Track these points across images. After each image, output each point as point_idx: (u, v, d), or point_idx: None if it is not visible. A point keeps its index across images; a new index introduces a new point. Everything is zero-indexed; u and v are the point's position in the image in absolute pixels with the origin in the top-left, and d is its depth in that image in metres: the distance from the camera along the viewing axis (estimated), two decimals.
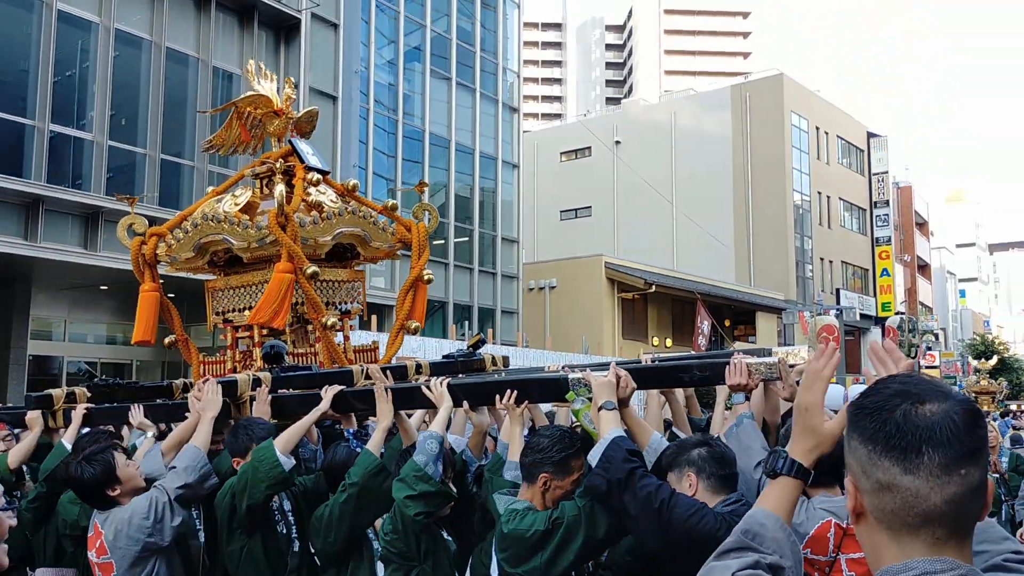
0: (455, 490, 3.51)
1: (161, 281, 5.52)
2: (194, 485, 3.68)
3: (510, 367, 5.76)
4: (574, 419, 3.39)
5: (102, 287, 17.08)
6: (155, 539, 3.52)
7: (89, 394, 4.88)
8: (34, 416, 4.74)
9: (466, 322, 24.42)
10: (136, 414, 4.40)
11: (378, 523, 3.75)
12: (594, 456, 2.88)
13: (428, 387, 3.69)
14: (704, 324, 27.86)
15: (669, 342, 30.48)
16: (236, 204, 5.03)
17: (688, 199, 37.24)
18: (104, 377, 5.14)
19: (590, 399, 3.13)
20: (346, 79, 19.87)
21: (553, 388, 3.49)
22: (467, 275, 25.36)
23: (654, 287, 28.47)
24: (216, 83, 17.62)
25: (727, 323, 33.26)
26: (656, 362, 3.83)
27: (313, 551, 3.77)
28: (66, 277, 15.91)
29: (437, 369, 5.04)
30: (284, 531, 3.84)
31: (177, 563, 3.72)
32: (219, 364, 5.20)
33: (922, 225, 55.62)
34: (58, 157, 15.42)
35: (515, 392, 3.56)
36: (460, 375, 4.33)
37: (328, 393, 3.94)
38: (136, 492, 3.66)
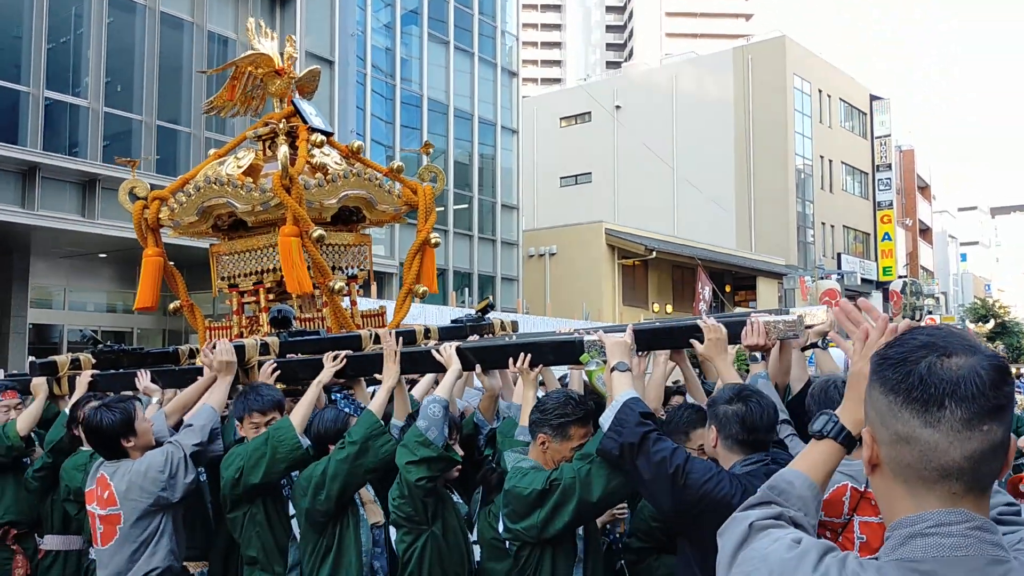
0: (461, 453, 3.49)
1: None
2: (206, 445, 3.70)
3: (519, 332, 5.72)
4: (587, 380, 3.37)
5: (101, 255, 17.04)
6: (167, 494, 3.54)
7: (94, 360, 4.87)
8: (39, 382, 4.72)
9: (466, 289, 24.41)
10: (143, 378, 4.39)
11: (364, 492, 3.74)
12: (606, 419, 2.86)
13: (438, 350, 3.66)
14: (705, 290, 27.85)
15: (670, 308, 30.48)
16: (239, 167, 4.94)
17: (689, 164, 37.03)
18: (109, 344, 5.09)
19: (604, 361, 3.11)
20: (342, 43, 19.66)
21: (567, 350, 3.45)
22: (467, 242, 25.31)
23: (654, 253, 28.41)
24: (212, 48, 17.44)
25: (728, 288, 33.24)
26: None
27: (293, 514, 3.73)
28: (64, 245, 15.86)
29: (446, 334, 5.01)
30: (288, 495, 3.82)
31: (180, 522, 3.73)
32: (225, 330, 5.15)
33: (924, 189, 55.38)
34: (54, 124, 15.31)
35: (528, 355, 3.53)
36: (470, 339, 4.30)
37: (328, 361, 3.89)
38: (147, 449, 3.67)
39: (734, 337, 3.21)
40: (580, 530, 3.13)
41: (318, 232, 4.63)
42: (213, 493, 4.22)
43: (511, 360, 3.59)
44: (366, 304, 5.74)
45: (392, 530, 3.54)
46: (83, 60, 15.53)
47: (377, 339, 4.55)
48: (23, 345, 15.64)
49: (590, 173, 39.87)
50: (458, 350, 3.64)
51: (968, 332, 1.35)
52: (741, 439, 2.76)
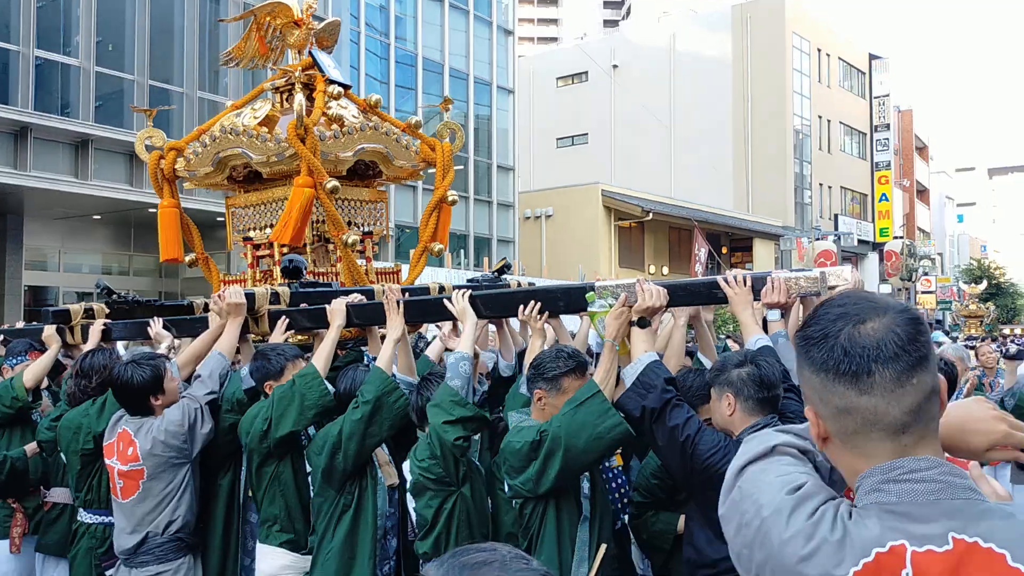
0: (488, 414, 3.45)
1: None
2: (219, 391, 3.71)
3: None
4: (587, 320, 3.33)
5: (95, 216, 16.97)
6: (187, 446, 3.59)
7: (107, 310, 4.86)
8: (51, 332, 4.68)
9: (461, 251, 24.37)
10: (155, 325, 4.38)
11: (380, 453, 3.71)
12: (628, 375, 2.86)
13: (450, 300, 3.59)
14: (701, 251, 27.84)
15: (666, 270, 30.48)
16: (255, 117, 4.92)
17: (686, 124, 36.79)
18: (123, 294, 5.08)
19: (611, 305, 3.08)
20: (335, 0, 19.39)
21: (578, 298, 3.37)
22: (463, 203, 25.19)
23: (651, 215, 28.34)
24: (203, 6, 17.19)
25: (724, 250, 33.23)
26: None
27: (309, 471, 3.71)
28: (58, 207, 15.78)
29: (460, 287, 5.03)
30: None
31: (199, 479, 3.76)
32: (240, 283, 5.12)
33: (922, 149, 55.14)
34: (45, 84, 15.15)
35: (538, 304, 3.49)
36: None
37: (336, 308, 3.81)
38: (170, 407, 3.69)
39: (754, 295, 3.18)
40: (586, 487, 3.09)
41: (332, 183, 4.57)
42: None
43: (520, 308, 3.53)
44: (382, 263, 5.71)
45: (409, 498, 3.44)
46: (73, 19, 15.33)
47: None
48: (18, 307, 15.63)
49: (587, 134, 39.61)
50: (465, 295, 3.58)
51: (875, 293, 1.38)
52: (761, 398, 2.81)
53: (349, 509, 3.53)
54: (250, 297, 4.12)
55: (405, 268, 5.79)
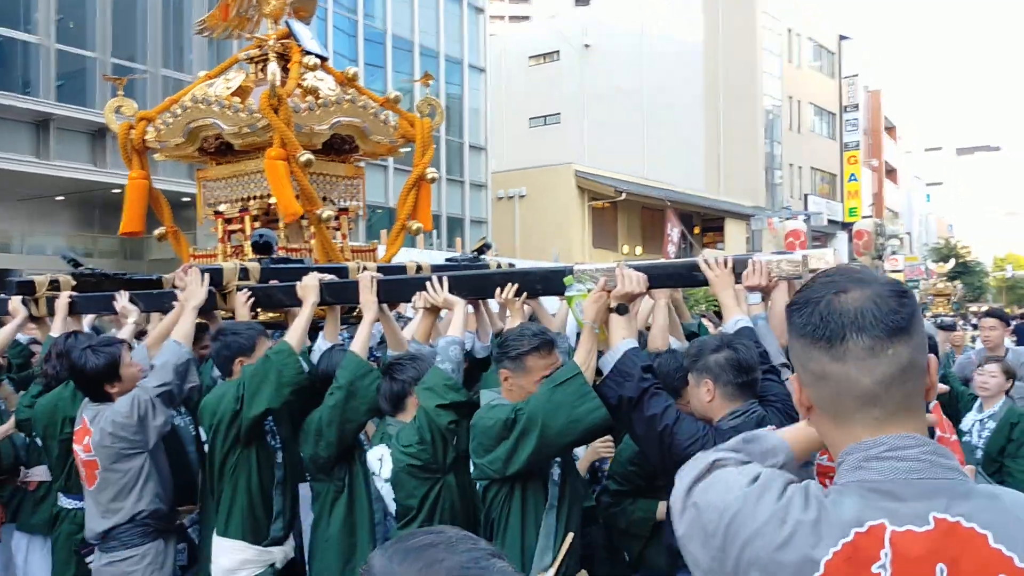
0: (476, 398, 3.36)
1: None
2: (174, 383, 3.55)
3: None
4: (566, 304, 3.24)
5: (57, 197, 16.65)
6: (139, 438, 3.47)
7: (74, 282, 4.73)
8: (16, 304, 4.53)
9: (434, 231, 24.23)
10: (121, 299, 4.24)
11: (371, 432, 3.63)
12: (605, 364, 2.83)
13: (432, 286, 3.49)
14: (674, 231, 27.94)
15: (639, 250, 30.56)
16: (228, 88, 4.78)
17: (658, 105, 36.77)
18: (91, 267, 4.96)
19: (589, 289, 3.03)
20: None
21: (556, 281, 3.30)
22: (435, 184, 25.05)
23: (624, 195, 28.37)
24: None
25: (696, 230, 33.38)
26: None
27: (304, 458, 3.66)
28: (19, 187, 15.46)
29: (439, 270, 4.93)
30: (271, 442, 3.67)
31: (165, 465, 3.66)
32: (211, 258, 5.02)
33: (891, 129, 55.64)
34: (5, 62, 14.82)
35: (516, 285, 3.43)
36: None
37: (309, 285, 3.70)
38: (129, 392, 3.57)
39: (736, 278, 3.13)
40: (556, 474, 3.03)
41: (306, 156, 4.44)
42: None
43: (498, 291, 3.47)
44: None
45: (387, 489, 3.30)
46: None
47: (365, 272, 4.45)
48: None
49: (559, 114, 39.45)
50: (443, 280, 3.49)
51: (866, 268, 1.38)
52: (740, 383, 2.78)
53: (341, 495, 3.48)
54: (218, 272, 4.01)
55: (382, 248, 5.69)
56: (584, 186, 28.58)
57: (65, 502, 3.95)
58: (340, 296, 3.87)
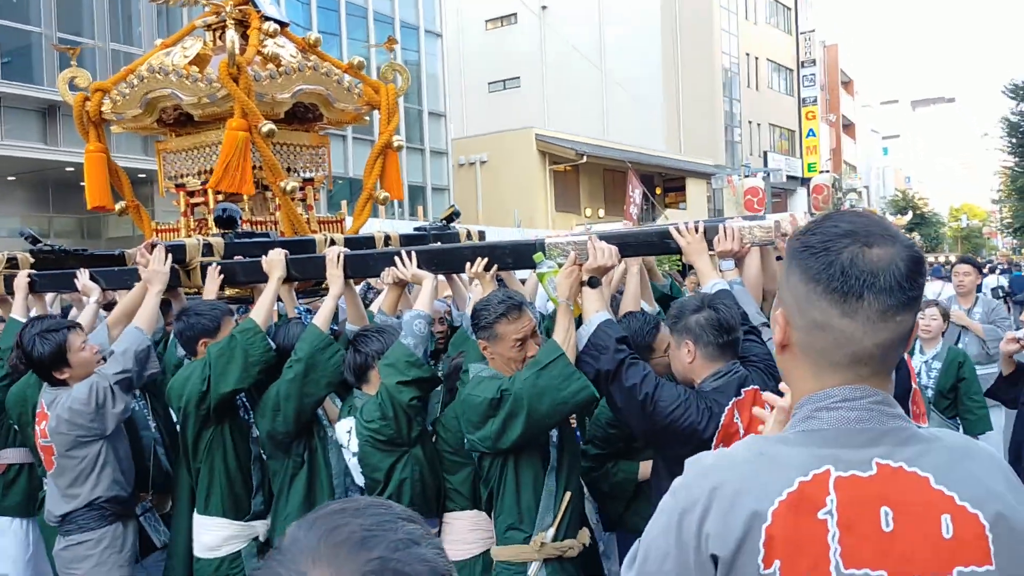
0: (438, 372, 3.37)
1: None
2: (134, 371, 3.50)
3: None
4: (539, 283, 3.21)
5: (10, 178, 16.29)
6: (96, 425, 3.42)
7: (32, 260, 4.61)
8: None
9: (395, 200, 24.06)
10: (82, 276, 4.15)
11: (332, 408, 3.62)
12: (580, 338, 2.83)
13: (401, 261, 3.46)
14: (635, 192, 28.00)
15: (602, 212, 30.63)
16: (185, 56, 4.59)
17: (617, 66, 36.63)
18: (50, 244, 4.79)
19: (560, 264, 3.01)
20: None
21: (526, 254, 3.28)
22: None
23: (585, 158, 28.34)
24: None
25: (658, 191, 33.49)
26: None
27: (260, 434, 3.57)
28: None
29: (407, 241, 4.79)
30: (245, 416, 3.63)
31: (125, 450, 3.62)
32: (173, 232, 4.88)
33: (847, 84, 56.03)
34: None
35: (485, 260, 3.41)
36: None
37: (275, 259, 3.66)
38: (84, 377, 3.50)
39: (708, 244, 3.11)
40: (555, 436, 3.03)
41: (268, 126, 4.33)
42: (159, 419, 4.08)
43: (467, 264, 3.46)
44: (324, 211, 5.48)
45: (354, 463, 3.32)
46: None
47: (332, 244, 4.38)
48: None
49: (518, 78, 39.17)
50: (412, 255, 3.47)
51: (886, 220, 1.37)
52: (721, 343, 2.74)
53: (300, 470, 3.43)
54: (180, 249, 3.93)
55: (349, 219, 5.60)
56: (545, 150, 28.50)
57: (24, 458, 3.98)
58: (306, 271, 3.83)
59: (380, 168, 5.12)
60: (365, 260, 3.75)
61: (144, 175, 13.79)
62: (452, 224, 5.09)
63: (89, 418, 3.40)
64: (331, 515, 0.87)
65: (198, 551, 3.55)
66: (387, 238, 4.76)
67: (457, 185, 27.65)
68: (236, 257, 4.05)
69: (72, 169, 15.99)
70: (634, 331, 3.20)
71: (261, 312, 3.51)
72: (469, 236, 5.20)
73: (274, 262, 3.68)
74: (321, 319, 3.43)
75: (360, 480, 3.31)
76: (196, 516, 3.56)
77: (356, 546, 0.82)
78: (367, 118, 5.46)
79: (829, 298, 1.22)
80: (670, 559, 1.26)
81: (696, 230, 3.10)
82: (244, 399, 3.63)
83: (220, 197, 4.63)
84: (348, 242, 4.52)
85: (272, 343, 3.47)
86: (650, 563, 1.30)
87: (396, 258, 3.50)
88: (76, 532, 3.49)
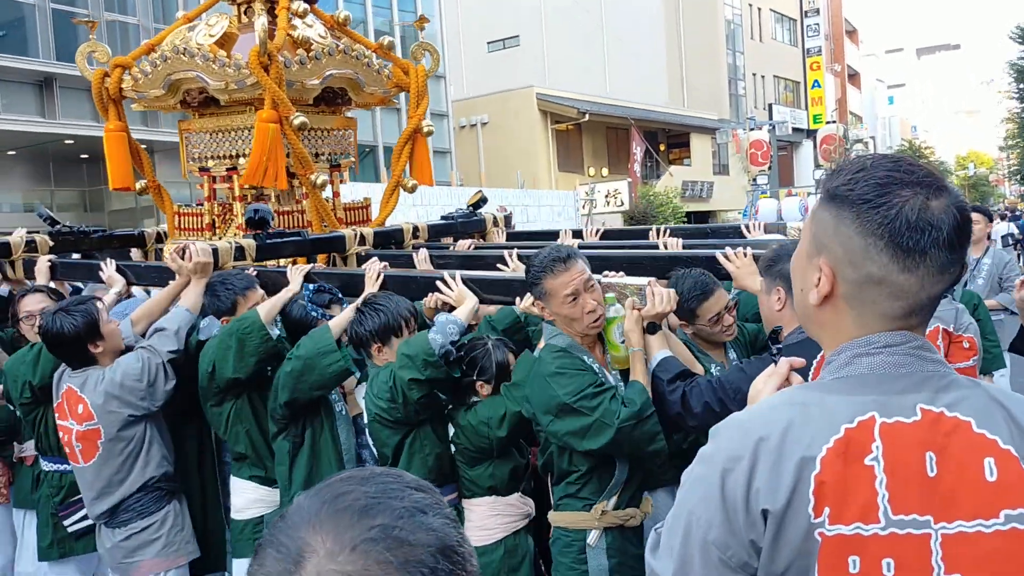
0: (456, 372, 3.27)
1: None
2: (183, 350, 3.47)
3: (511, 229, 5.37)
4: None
5: (10, 152, 16.22)
6: (147, 403, 3.35)
7: (52, 243, 4.52)
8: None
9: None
10: (108, 267, 4.06)
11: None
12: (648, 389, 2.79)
13: (445, 284, 3.35)
14: (639, 150, 27.79)
15: (605, 171, 30.44)
16: (211, 36, 4.40)
17: (618, 20, 36.14)
18: (69, 224, 4.71)
19: (636, 305, 2.87)
20: None
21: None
22: (395, 116, 24.60)
23: (588, 116, 28.08)
24: None
25: (662, 147, 33.25)
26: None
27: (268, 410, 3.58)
28: None
29: (435, 231, 4.75)
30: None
31: (164, 425, 3.56)
32: (196, 216, 4.71)
33: (852, 33, 55.27)
34: None
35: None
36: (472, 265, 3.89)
37: (295, 276, 3.62)
38: (117, 353, 3.45)
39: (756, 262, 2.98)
40: None
41: (300, 119, 4.17)
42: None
43: (517, 299, 3.22)
44: (351, 194, 5.26)
45: (367, 433, 3.33)
46: None
47: (362, 239, 4.28)
48: None
49: (518, 36, 38.69)
50: (456, 277, 3.36)
51: (931, 164, 1.34)
52: None
53: (301, 450, 3.41)
54: (213, 253, 3.86)
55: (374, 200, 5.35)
56: (547, 109, 28.24)
57: (44, 465, 3.84)
58: (345, 288, 3.73)
59: (408, 154, 4.90)
60: (406, 282, 3.58)
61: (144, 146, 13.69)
62: (479, 211, 4.98)
63: (140, 395, 3.33)
64: (337, 483, 0.85)
65: (233, 513, 3.62)
66: (415, 229, 4.64)
67: (458, 147, 27.48)
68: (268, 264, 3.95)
69: (72, 142, 15.91)
70: (682, 293, 3.08)
71: (266, 305, 3.47)
72: (495, 222, 5.08)
73: (296, 274, 3.65)
74: (336, 323, 3.35)
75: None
76: (232, 479, 3.64)
77: (358, 513, 0.80)
78: (395, 100, 5.23)
79: (890, 253, 1.20)
80: (715, 528, 1.23)
81: (744, 254, 3.09)
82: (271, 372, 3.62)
83: (246, 184, 4.48)
84: (376, 235, 4.44)
85: (273, 333, 3.41)
86: (693, 538, 1.26)
87: (440, 283, 3.38)
88: (136, 519, 3.40)
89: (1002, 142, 37.58)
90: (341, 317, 3.36)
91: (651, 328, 2.88)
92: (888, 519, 1.18)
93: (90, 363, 3.39)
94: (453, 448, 3.21)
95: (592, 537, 2.83)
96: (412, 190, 4.92)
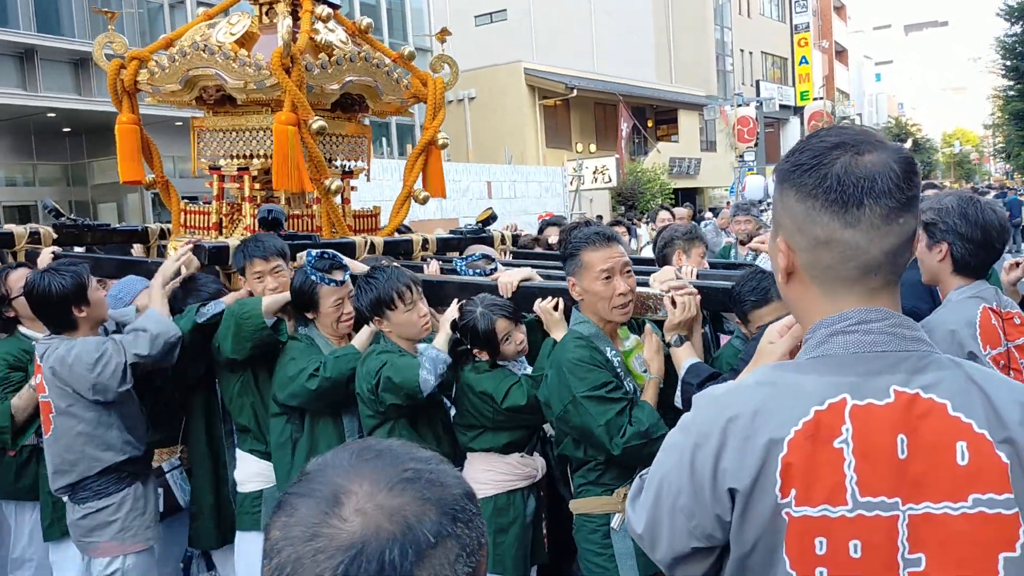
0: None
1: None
2: (154, 357, 3.26)
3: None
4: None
5: None
6: (92, 395, 3.20)
7: (55, 235, 4.51)
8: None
9: (383, 139, 23.81)
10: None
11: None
12: (678, 399, 2.77)
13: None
14: (626, 126, 27.72)
15: (593, 147, 30.37)
16: (232, 34, 4.36)
17: None
18: (72, 217, 4.67)
19: (659, 331, 2.83)
20: None
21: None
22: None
23: (575, 91, 27.96)
24: None
25: (650, 123, 33.17)
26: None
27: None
28: None
29: (444, 245, 4.77)
30: None
31: (132, 410, 3.38)
32: (203, 215, 4.67)
33: (840, 9, 55.15)
34: None
35: (558, 300, 3.13)
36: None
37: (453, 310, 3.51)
38: (99, 323, 3.37)
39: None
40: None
41: (319, 123, 4.13)
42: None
43: (537, 301, 3.19)
44: (360, 203, 5.20)
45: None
46: None
47: (372, 247, 4.27)
48: None
49: (505, 10, 38.37)
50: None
51: (865, 127, 1.35)
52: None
53: (300, 439, 3.40)
54: (224, 250, 3.87)
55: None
56: (534, 84, 28.09)
57: (40, 441, 3.76)
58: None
59: (422, 166, 4.85)
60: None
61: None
62: (488, 228, 4.97)
63: (86, 385, 3.17)
64: (356, 444, 0.90)
65: (238, 486, 3.65)
66: (424, 242, 4.65)
67: (446, 123, 27.10)
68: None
69: (54, 115, 15.71)
70: (739, 293, 2.95)
71: (268, 301, 3.44)
72: (503, 240, 5.08)
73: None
74: (360, 342, 3.35)
75: None
76: (237, 450, 3.67)
77: (390, 460, 0.86)
78: (411, 110, 5.19)
79: (830, 211, 1.21)
80: (683, 496, 1.27)
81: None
82: None
83: (257, 186, 4.49)
84: (386, 244, 4.44)
85: (269, 322, 3.40)
86: (663, 499, 1.30)
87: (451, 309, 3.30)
88: (92, 499, 3.28)
89: (988, 119, 37.66)
90: (362, 338, 3.36)
91: (677, 341, 2.83)
92: (856, 501, 1.18)
93: (71, 328, 3.27)
94: (453, 410, 3.22)
95: (616, 521, 2.82)
96: (424, 202, 4.86)
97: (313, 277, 3.35)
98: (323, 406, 3.35)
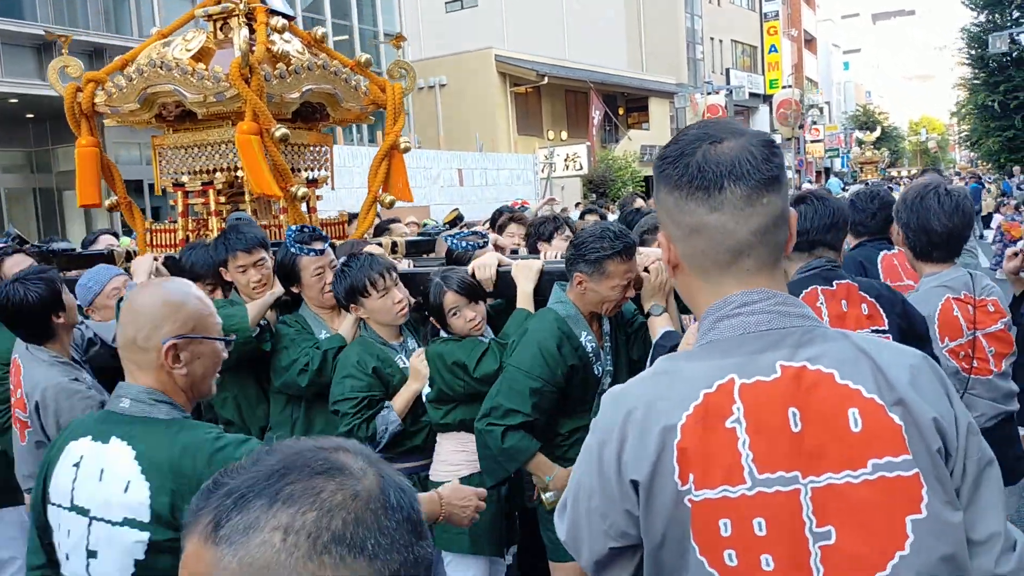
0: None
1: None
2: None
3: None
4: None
5: None
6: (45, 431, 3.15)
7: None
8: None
9: (354, 127, 23.62)
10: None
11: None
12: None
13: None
14: (597, 114, 27.74)
15: (565, 135, 30.37)
16: (188, 50, 4.38)
17: None
18: (36, 244, 4.64)
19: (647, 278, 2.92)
20: None
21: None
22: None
23: (547, 79, 27.93)
24: None
25: (621, 111, 33.22)
26: None
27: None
28: None
29: (413, 247, 4.80)
30: None
31: None
32: (169, 233, 4.68)
33: None
34: None
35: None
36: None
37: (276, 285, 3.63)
38: (72, 327, 3.35)
39: None
40: None
41: (281, 131, 4.15)
42: None
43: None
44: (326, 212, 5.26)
45: None
46: None
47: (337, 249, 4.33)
48: None
49: None
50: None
51: (733, 120, 1.41)
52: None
53: (297, 423, 3.44)
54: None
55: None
56: (505, 71, 28.01)
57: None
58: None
59: (386, 170, 4.88)
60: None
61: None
62: (455, 228, 4.98)
63: (50, 412, 3.14)
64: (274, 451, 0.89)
65: None
66: (394, 246, 4.68)
67: (417, 109, 27.17)
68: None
69: (16, 101, 15.42)
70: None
71: (255, 306, 3.47)
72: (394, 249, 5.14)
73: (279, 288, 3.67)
74: (345, 329, 3.44)
75: None
76: None
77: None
78: (372, 117, 5.24)
79: (695, 198, 1.24)
80: (596, 496, 1.29)
81: None
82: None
83: (222, 199, 4.51)
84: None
85: (254, 331, 3.41)
86: (580, 504, 1.32)
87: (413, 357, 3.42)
88: None
89: (954, 108, 38.12)
90: (345, 328, 3.45)
91: (658, 309, 2.89)
92: (754, 479, 1.18)
93: (48, 337, 3.23)
94: (426, 388, 3.24)
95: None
96: (390, 206, 4.91)
97: (293, 249, 3.41)
98: (315, 393, 3.39)
